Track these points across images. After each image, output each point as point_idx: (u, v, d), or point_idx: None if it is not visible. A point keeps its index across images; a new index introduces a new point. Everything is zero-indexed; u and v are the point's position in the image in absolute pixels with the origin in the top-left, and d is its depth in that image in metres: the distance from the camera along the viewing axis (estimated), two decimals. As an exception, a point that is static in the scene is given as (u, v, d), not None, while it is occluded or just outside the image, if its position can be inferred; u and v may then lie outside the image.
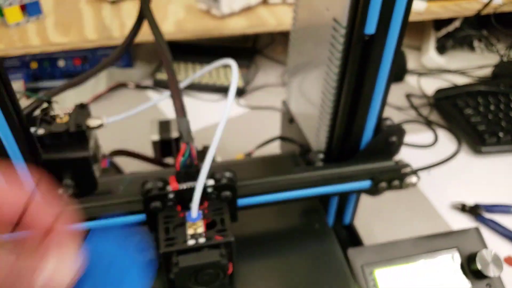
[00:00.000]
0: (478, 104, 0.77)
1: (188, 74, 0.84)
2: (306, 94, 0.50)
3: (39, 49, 0.71)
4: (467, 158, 0.71)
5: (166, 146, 0.60)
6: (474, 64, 0.93)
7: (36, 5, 0.76)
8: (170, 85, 0.40)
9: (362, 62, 0.39)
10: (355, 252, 0.45)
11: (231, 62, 0.40)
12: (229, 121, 0.78)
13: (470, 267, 0.45)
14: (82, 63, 0.80)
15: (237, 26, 0.78)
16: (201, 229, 0.37)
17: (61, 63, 0.79)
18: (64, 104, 0.70)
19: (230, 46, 0.93)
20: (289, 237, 0.46)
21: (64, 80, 0.81)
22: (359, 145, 0.45)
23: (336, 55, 0.39)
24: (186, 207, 0.38)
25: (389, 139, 0.44)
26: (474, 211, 0.61)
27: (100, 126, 0.44)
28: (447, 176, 0.67)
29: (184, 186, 0.39)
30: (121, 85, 0.82)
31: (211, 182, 0.39)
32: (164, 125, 0.61)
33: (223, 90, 0.82)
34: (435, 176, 0.67)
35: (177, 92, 0.40)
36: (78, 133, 0.42)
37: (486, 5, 0.86)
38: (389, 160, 0.45)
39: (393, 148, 0.45)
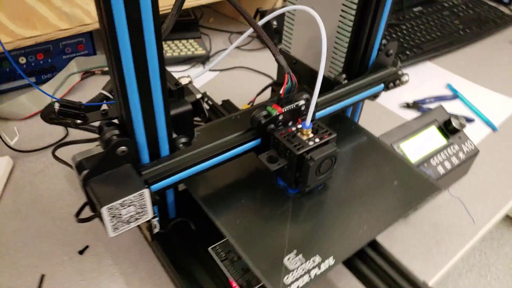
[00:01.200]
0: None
1: (165, 50, 0.88)
2: (314, 37, 0.63)
3: (11, 45, 0.68)
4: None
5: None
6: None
7: (-21, 3, 0.71)
8: (262, 36, 0.49)
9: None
10: (382, 136, 0.62)
11: (310, 10, 0.50)
12: (207, 84, 0.86)
13: (447, 128, 0.67)
14: (45, 56, 0.77)
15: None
16: (311, 134, 0.49)
17: (22, 61, 0.75)
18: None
19: (181, 20, 0.99)
20: (341, 140, 0.60)
21: (29, 78, 0.77)
22: (369, 64, 0.61)
23: (357, -5, 0.54)
24: (288, 124, 0.50)
25: (388, 51, 0.61)
26: (415, 105, 0.84)
27: (190, 82, 0.50)
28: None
29: (286, 108, 0.50)
30: (89, 73, 0.82)
31: (302, 102, 0.51)
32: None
33: (188, 59, 0.89)
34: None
35: (268, 39, 0.49)
36: (178, 90, 0.48)
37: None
38: (389, 68, 0.63)
39: (390, 58, 0.62)
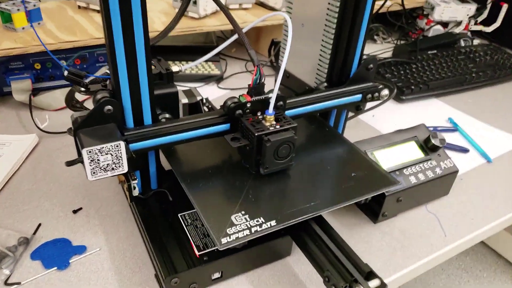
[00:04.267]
0: (393, 70, 1.07)
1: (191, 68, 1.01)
2: (304, 51, 0.72)
3: (54, 46, 0.82)
4: (394, 105, 0.99)
5: (192, 106, 0.77)
6: (378, 50, 1.25)
7: (38, 12, 0.87)
8: (239, 33, 0.58)
9: (353, 15, 0.62)
10: (358, 144, 0.67)
11: (282, 13, 0.59)
12: (218, 99, 0.96)
13: (427, 145, 0.70)
14: (82, 62, 0.91)
15: (212, 24, 0.98)
16: (274, 122, 0.56)
17: (62, 63, 0.89)
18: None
19: (201, 46, 1.12)
20: (314, 140, 0.66)
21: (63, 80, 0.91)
22: (349, 75, 0.68)
23: (333, 14, 0.62)
24: (257, 114, 0.57)
25: (368, 66, 0.68)
26: (410, 131, 0.88)
27: (179, 71, 0.60)
28: (385, 115, 0.94)
29: (255, 98, 0.57)
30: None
31: (270, 95, 0.58)
32: (187, 92, 0.78)
33: (204, 78, 1.00)
34: (377, 116, 0.94)
35: (243, 35, 0.58)
36: (168, 74, 0.57)
37: (382, 5, 1.19)
38: (369, 82, 0.69)
39: (370, 73, 0.69)
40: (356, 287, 0.48)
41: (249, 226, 0.49)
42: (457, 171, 0.70)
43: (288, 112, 0.62)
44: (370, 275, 0.50)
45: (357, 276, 0.49)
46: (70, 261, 0.56)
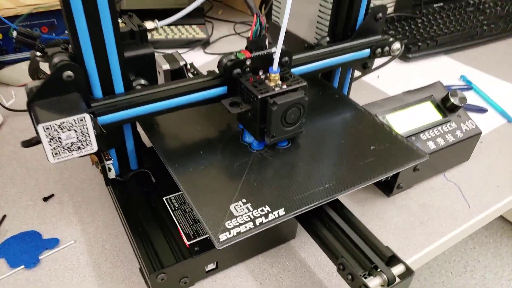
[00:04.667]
0: (396, 26, 0.97)
1: (167, 33, 0.90)
2: (301, 2, 0.62)
3: (14, 11, 0.71)
4: (400, 64, 0.90)
5: (175, 73, 0.67)
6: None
7: (-7, -27, 0.75)
8: None
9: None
10: (367, 107, 0.59)
11: None
12: (205, 65, 0.86)
13: (445, 105, 0.62)
14: (50, 30, 0.80)
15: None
16: (279, 81, 0.47)
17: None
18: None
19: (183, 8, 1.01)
20: (320, 106, 0.57)
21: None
22: (355, 27, 0.59)
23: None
24: (258, 73, 0.48)
25: (377, 15, 0.58)
26: (421, 92, 0.79)
27: (155, 28, 0.50)
28: (390, 76, 0.85)
29: (256, 54, 0.48)
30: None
31: (274, 49, 0.48)
32: (169, 57, 0.68)
33: (189, 43, 0.90)
34: (382, 77, 0.85)
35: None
36: (141, 32, 0.48)
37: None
38: (378, 34, 0.59)
39: (379, 24, 0.59)
40: (376, 275, 0.41)
41: (252, 217, 0.41)
42: (480, 133, 0.62)
43: (298, 70, 0.53)
44: (392, 260, 0.43)
45: (377, 262, 0.42)
46: (40, 258, 0.48)
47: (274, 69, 0.46)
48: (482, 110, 0.77)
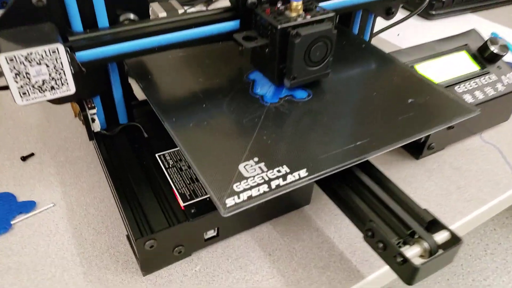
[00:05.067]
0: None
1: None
2: None
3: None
4: (422, 22, 0.81)
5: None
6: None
7: None
8: None
9: None
10: (395, 53, 0.50)
11: None
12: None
13: (483, 55, 0.53)
14: None
15: None
16: (302, 11, 0.39)
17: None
18: None
19: None
20: (343, 55, 0.49)
21: None
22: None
23: None
24: (276, 4, 0.40)
25: None
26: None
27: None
28: (411, 34, 0.77)
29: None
30: None
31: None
32: (166, 5, 0.60)
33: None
34: (402, 36, 0.76)
35: None
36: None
37: None
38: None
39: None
40: (414, 243, 0.33)
41: (266, 178, 0.33)
42: (523, 88, 0.54)
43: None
44: (433, 225, 0.35)
45: (415, 227, 0.34)
46: (12, 222, 0.41)
47: (297, -5, 0.38)
48: (519, 68, 0.68)
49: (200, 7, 0.83)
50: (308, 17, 0.38)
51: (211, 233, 0.39)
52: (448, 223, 0.43)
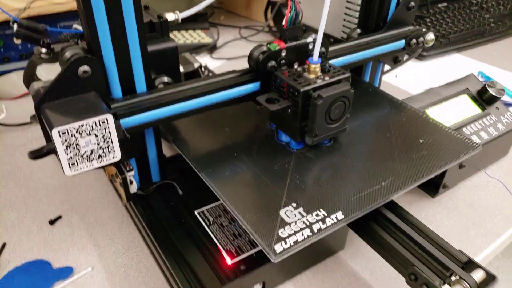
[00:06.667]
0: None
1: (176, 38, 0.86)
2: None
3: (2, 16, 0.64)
4: (416, 63, 0.87)
5: (190, 76, 0.62)
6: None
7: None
8: None
9: None
10: (407, 100, 0.54)
11: None
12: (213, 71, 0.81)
13: (482, 97, 0.58)
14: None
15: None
16: (320, 73, 0.42)
17: (17, 41, 0.72)
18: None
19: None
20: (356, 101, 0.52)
21: (24, 61, 0.74)
22: (387, 17, 0.54)
23: None
24: (293, 66, 0.43)
25: (409, 4, 0.54)
26: (443, 89, 0.75)
27: (175, 21, 0.44)
28: (408, 75, 0.82)
29: (291, 44, 0.42)
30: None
31: (310, 39, 0.43)
32: (182, 59, 0.62)
33: (195, 48, 0.85)
34: (400, 77, 0.81)
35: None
36: (162, 24, 0.42)
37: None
38: (411, 25, 0.55)
39: (411, 14, 0.55)
40: (455, 284, 0.35)
41: (308, 223, 0.35)
42: (520, 125, 0.58)
43: (335, 61, 0.48)
44: (468, 265, 0.37)
45: (454, 268, 0.36)
46: (52, 291, 0.41)
47: (314, 59, 0.41)
48: (508, 104, 0.73)
49: (204, 55, 0.86)
50: (327, 78, 0.41)
51: (257, 286, 0.40)
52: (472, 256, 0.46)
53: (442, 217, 0.51)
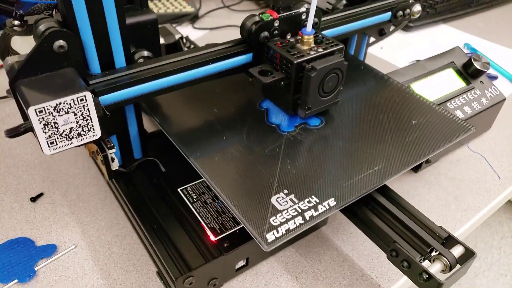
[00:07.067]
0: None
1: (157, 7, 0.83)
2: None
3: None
4: (401, 34, 0.86)
5: (170, 48, 0.60)
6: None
7: None
8: None
9: None
10: (392, 74, 0.53)
11: None
12: (196, 41, 0.79)
13: (467, 71, 0.57)
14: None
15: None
16: (313, 44, 0.41)
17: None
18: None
19: None
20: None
21: None
22: (373, -12, 0.53)
23: None
24: (286, 37, 0.42)
25: (397, -26, 0.53)
26: (429, 61, 0.75)
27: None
28: (393, 47, 0.81)
29: (284, 14, 0.41)
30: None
31: (303, 9, 0.42)
32: (162, 30, 0.60)
33: (175, 17, 0.82)
34: (386, 48, 0.80)
35: None
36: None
37: None
38: (398, -4, 0.54)
39: (399, -15, 0.54)
40: (435, 259, 0.36)
41: (299, 210, 0.35)
42: (504, 100, 0.58)
43: (328, 32, 0.47)
44: (448, 241, 0.38)
45: (435, 244, 0.37)
46: (36, 269, 0.41)
47: (308, 30, 0.40)
48: (492, 77, 0.74)
49: (186, 25, 0.83)
50: (320, 50, 0.41)
51: (241, 263, 0.40)
52: (450, 232, 0.47)
53: (424, 192, 0.52)
